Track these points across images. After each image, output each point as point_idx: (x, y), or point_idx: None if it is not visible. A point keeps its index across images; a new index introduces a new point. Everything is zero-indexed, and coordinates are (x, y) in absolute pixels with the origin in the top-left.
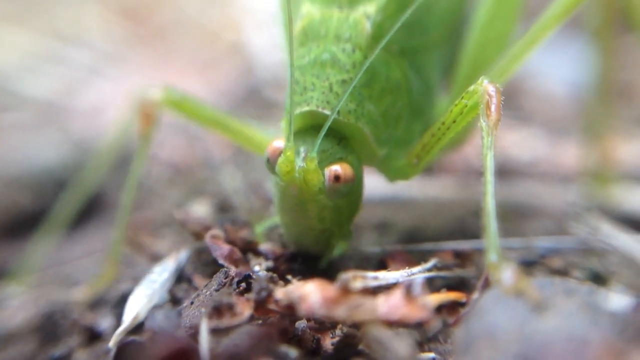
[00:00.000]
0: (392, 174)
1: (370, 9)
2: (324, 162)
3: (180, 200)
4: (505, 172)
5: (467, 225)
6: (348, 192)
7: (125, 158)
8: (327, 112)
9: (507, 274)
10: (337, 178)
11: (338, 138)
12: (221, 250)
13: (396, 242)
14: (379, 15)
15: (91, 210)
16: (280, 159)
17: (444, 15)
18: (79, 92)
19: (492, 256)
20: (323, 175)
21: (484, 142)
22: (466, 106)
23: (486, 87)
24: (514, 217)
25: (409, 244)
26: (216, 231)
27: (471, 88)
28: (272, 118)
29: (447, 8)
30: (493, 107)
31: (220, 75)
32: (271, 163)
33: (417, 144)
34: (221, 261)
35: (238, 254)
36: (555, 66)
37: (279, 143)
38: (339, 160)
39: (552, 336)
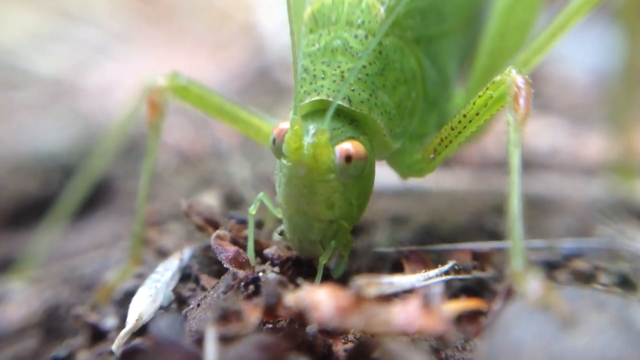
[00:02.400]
0: (406, 170)
1: None
2: (334, 140)
3: (188, 191)
4: (524, 163)
5: (485, 222)
6: (360, 173)
7: (132, 145)
8: (339, 102)
9: (533, 286)
10: (348, 157)
11: (349, 119)
12: (226, 252)
13: (411, 240)
14: (394, 0)
15: (98, 198)
16: (288, 135)
17: (462, 2)
18: (87, 71)
19: (517, 263)
20: (334, 153)
21: (510, 139)
22: (491, 97)
23: (514, 78)
24: (534, 213)
25: (425, 245)
26: (222, 231)
27: (497, 78)
28: (281, 102)
29: None
30: (522, 100)
31: (230, 57)
32: (277, 145)
33: (435, 138)
34: (226, 265)
35: (244, 256)
36: (576, 50)
37: (286, 125)
38: (351, 138)
39: (584, 356)
